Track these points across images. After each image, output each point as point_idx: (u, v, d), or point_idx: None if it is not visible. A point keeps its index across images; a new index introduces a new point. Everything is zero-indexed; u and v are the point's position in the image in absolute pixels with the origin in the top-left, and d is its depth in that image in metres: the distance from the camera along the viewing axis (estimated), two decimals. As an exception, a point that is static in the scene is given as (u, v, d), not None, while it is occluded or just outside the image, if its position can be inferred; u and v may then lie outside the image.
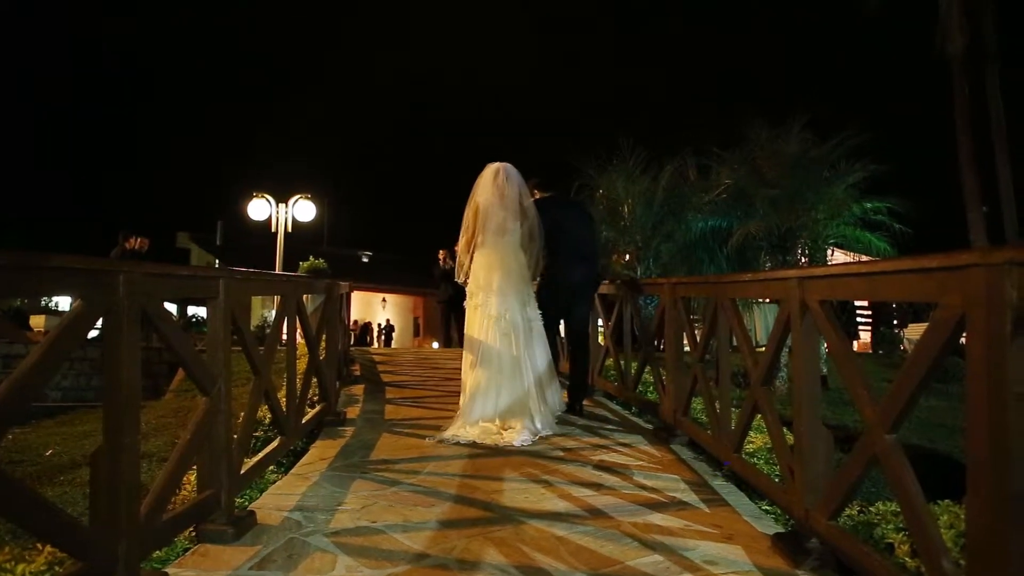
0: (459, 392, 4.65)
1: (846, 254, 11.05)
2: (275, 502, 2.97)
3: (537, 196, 5.26)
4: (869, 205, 10.06)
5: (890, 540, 2.27)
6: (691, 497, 3.14)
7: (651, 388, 5.25)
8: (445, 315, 12.73)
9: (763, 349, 3.01)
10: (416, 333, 31.32)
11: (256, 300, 17.94)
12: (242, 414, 3.06)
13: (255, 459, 3.14)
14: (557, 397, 4.84)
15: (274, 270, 12.63)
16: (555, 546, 2.49)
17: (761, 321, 14.24)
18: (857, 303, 16.30)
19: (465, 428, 4.28)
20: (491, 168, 4.78)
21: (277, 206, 14.20)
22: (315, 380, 4.53)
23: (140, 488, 2.06)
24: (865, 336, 17.67)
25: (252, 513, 2.71)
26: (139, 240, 10.33)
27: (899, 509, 2.19)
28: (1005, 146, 15.40)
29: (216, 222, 30.77)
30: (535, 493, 3.15)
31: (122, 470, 1.89)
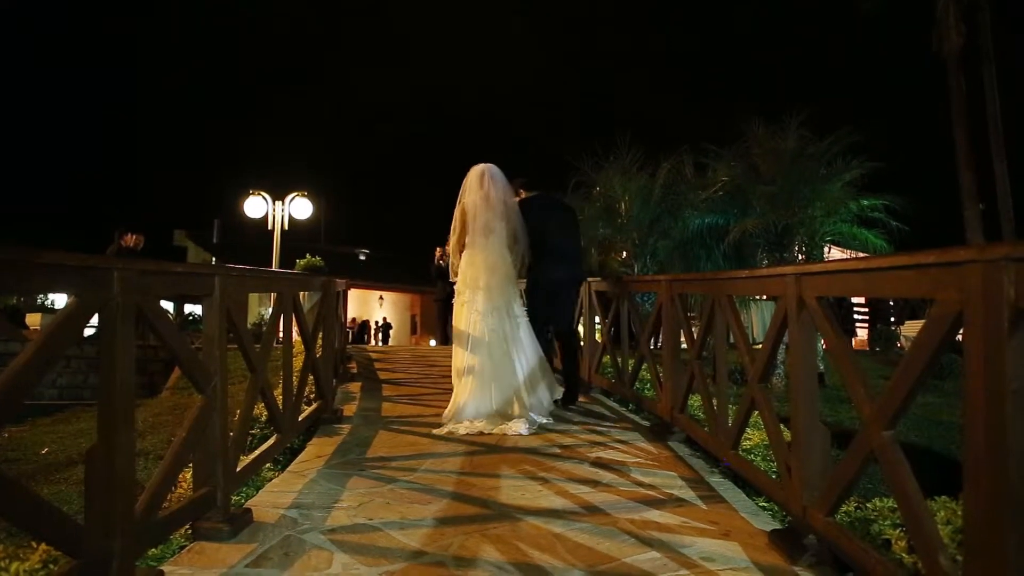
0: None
1: (843, 251, 11.08)
2: (271, 500, 2.96)
3: (523, 195, 5.39)
4: (866, 202, 10.07)
5: (887, 536, 2.27)
6: (688, 494, 3.13)
7: (648, 385, 5.25)
8: (442, 313, 12.70)
9: (760, 346, 3.01)
10: (413, 331, 31.33)
11: (253, 298, 17.93)
12: (238, 412, 3.06)
13: (251, 457, 3.13)
14: (550, 391, 4.90)
15: (271, 268, 12.60)
16: (552, 543, 2.48)
17: (758, 318, 14.25)
18: (854, 300, 16.33)
19: (465, 421, 4.41)
20: (476, 170, 4.96)
21: (274, 204, 14.15)
22: (312, 377, 4.52)
23: (136, 486, 2.05)
24: (862, 333, 17.72)
25: (248, 511, 2.70)
26: (135, 237, 10.29)
27: (896, 505, 2.19)
28: (1001, 144, 15.45)
29: (213, 220, 30.72)
30: (532, 490, 3.15)
31: (117, 468, 1.88)
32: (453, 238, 4.96)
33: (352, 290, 12.89)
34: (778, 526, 2.67)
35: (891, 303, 16.60)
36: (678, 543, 2.50)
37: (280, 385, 3.88)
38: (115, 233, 10.33)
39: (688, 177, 11.37)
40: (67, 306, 1.82)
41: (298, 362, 4.29)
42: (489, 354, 4.61)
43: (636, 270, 10.82)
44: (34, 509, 1.62)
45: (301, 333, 4.37)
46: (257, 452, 3.24)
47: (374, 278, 29.13)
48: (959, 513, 2.12)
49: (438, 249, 12.23)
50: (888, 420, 1.89)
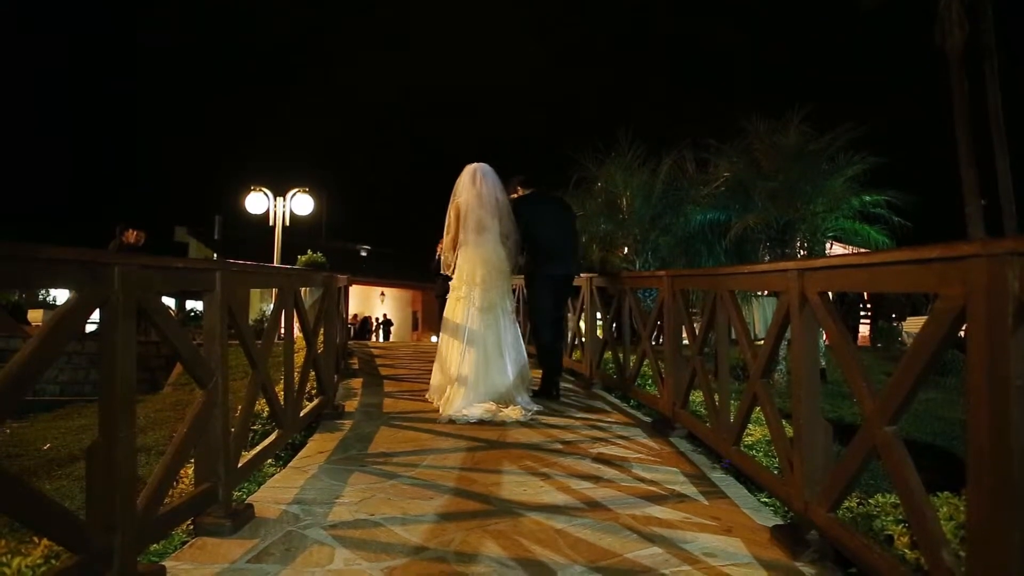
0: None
1: (845, 247, 11.05)
2: (273, 495, 2.96)
3: (520, 193, 5.64)
4: (868, 198, 10.03)
5: (889, 532, 2.26)
6: (690, 489, 3.13)
7: (650, 381, 5.25)
8: (443, 309, 12.69)
9: (762, 342, 3.01)
10: (415, 327, 31.34)
11: (255, 294, 17.95)
12: (240, 408, 3.05)
13: (253, 452, 3.13)
14: (528, 377, 5.13)
15: (272, 264, 12.59)
16: (553, 539, 2.48)
17: (760, 314, 14.24)
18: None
19: (464, 409, 4.61)
20: (469, 169, 5.16)
21: (275, 200, 14.16)
22: (313, 373, 4.52)
23: (137, 482, 2.05)
24: (864, 330, 17.70)
25: (250, 506, 2.70)
26: (136, 234, 10.30)
27: (898, 501, 2.19)
28: (1004, 140, 15.42)
29: (214, 216, 30.69)
30: (533, 486, 3.15)
31: (118, 464, 1.88)
32: (448, 237, 5.16)
33: (353, 286, 12.90)
34: (780, 522, 2.67)
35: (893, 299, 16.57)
36: (680, 539, 2.49)
37: (281, 381, 3.88)
38: (116, 229, 10.35)
39: (690, 173, 11.32)
40: (67, 302, 1.82)
41: (299, 358, 4.28)
42: (484, 347, 4.83)
43: (638, 266, 10.79)
44: (36, 505, 1.62)
45: (302, 329, 4.37)
46: (259, 448, 3.24)
47: (375, 274, 29.13)
48: (962, 509, 2.12)
49: (439, 245, 12.21)
50: (891, 415, 1.89)
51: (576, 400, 5.57)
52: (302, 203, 14.26)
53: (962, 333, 1.62)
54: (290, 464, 3.52)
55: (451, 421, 4.51)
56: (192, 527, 2.50)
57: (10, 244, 1.55)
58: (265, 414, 3.86)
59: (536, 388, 5.41)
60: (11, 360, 1.56)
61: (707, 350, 4.15)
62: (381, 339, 26.40)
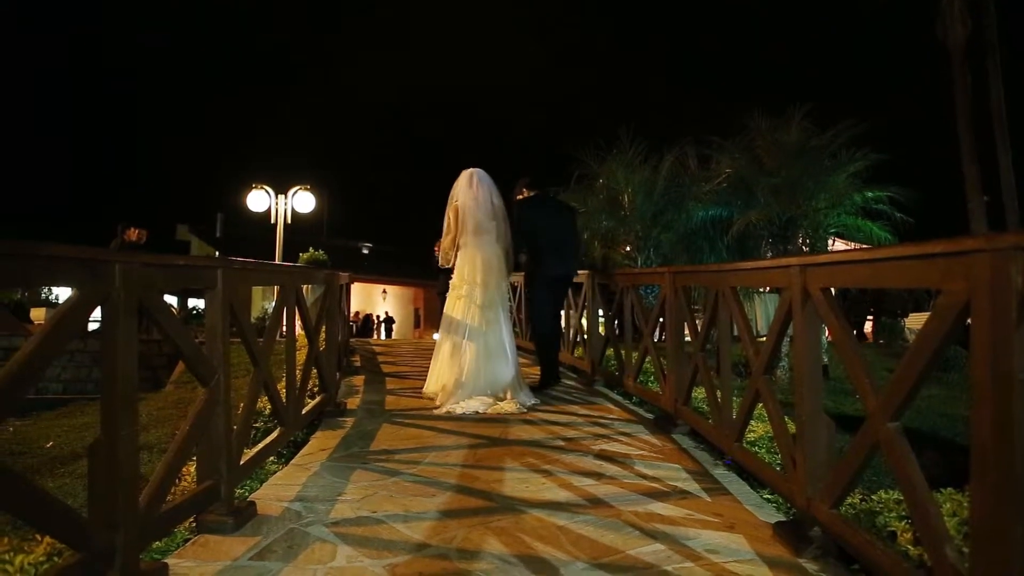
0: None
1: (847, 243, 11.02)
2: (275, 493, 2.96)
3: (525, 195, 5.88)
4: (870, 194, 10.02)
5: (892, 528, 2.26)
6: (692, 486, 3.13)
7: (652, 378, 5.24)
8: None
9: (764, 339, 3.00)
10: (416, 324, 31.36)
11: (257, 292, 17.95)
12: (242, 405, 3.05)
13: (255, 450, 3.13)
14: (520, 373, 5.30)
15: (274, 262, 12.60)
16: (556, 535, 2.48)
17: (762, 311, 14.23)
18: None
19: (462, 401, 4.78)
20: (465, 174, 5.35)
21: (276, 197, 14.16)
22: (315, 371, 4.52)
23: (139, 479, 2.05)
24: (866, 326, 17.66)
25: (252, 504, 2.71)
26: (138, 232, 10.31)
27: (901, 497, 2.19)
28: (1006, 135, 15.35)
29: (216, 214, 30.70)
30: (535, 483, 3.15)
31: (120, 461, 1.88)
32: (447, 238, 5.34)
33: (355, 284, 12.89)
34: (783, 518, 2.67)
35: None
36: (682, 535, 2.49)
37: (283, 379, 3.88)
38: (118, 228, 10.36)
39: (692, 169, 11.32)
40: (69, 299, 1.81)
41: (301, 356, 4.28)
42: (485, 342, 5.00)
43: (640, 263, 10.79)
44: (38, 503, 1.62)
45: (304, 326, 4.37)
46: (261, 445, 3.24)
47: (377, 272, 29.14)
48: (965, 505, 2.11)
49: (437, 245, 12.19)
50: (894, 411, 1.88)
51: (578, 397, 5.57)
52: (303, 201, 14.27)
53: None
54: (292, 461, 3.52)
55: (449, 413, 4.67)
56: (194, 525, 2.50)
57: (11, 242, 1.55)
58: (267, 412, 3.86)
59: (534, 385, 5.54)
60: (13, 358, 1.55)
61: (709, 347, 4.14)
62: (383, 337, 26.43)
